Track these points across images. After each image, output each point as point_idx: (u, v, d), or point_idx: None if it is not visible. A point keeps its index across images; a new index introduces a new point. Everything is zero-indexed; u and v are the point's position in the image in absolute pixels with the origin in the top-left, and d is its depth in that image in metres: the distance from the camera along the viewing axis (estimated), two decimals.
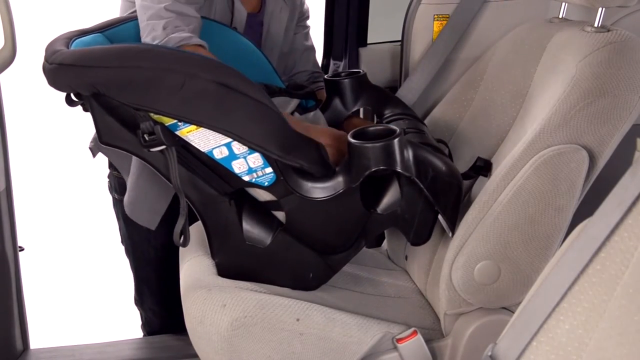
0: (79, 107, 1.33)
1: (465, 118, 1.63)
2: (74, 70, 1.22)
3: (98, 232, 3.39)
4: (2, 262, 1.87)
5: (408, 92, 1.74)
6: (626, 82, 1.24)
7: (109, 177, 1.92)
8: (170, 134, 1.25)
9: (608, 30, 1.32)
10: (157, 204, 1.72)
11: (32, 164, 3.98)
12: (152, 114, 1.23)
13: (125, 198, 1.75)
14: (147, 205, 1.72)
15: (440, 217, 1.35)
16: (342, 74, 1.64)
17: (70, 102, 1.31)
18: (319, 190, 1.30)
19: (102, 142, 1.30)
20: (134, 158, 1.62)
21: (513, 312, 1.27)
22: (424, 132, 1.47)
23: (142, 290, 2.05)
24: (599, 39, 1.30)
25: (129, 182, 1.73)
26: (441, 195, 1.32)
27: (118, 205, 1.91)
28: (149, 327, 2.13)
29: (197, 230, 1.57)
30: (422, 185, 1.29)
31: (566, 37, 1.40)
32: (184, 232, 1.33)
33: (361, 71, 1.64)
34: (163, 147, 1.24)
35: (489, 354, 0.82)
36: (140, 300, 2.09)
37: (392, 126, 1.31)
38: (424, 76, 1.74)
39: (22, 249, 1.99)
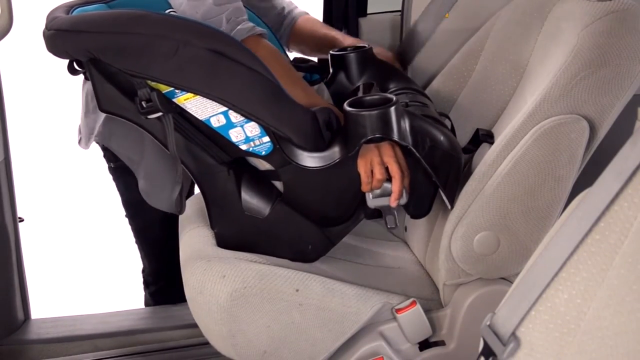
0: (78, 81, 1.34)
1: (466, 89, 1.62)
2: (70, 35, 1.24)
3: (98, 203, 3.40)
4: (2, 233, 1.88)
5: (422, 72, 1.74)
6: (628, 52, 1.23)
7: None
8: (167, 101, 1.25)
9: None
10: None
11: (30, 134, 3.97)
12: (149, 81, 1.23)
13: (141, 185, 1.73)
14: (167, 191, 1.69)
15: (440, 190, 1.35)
16: (348, 48, 1.62)
17: (72, 70, 1.32)
18: (315, 160, 1.29)
19: (101, 109, 1.31)
20: (148, 145, 1.60)
21: (512, 283, 1.27)
22: (427, 106, 1.46)
23: (150, 252, 2.04)
24: (601, 7, 1.29)
25: (143, 168, 1.70)
26: (440, 167, 1.31)
27: (116, 171, 1.89)
28: (159, 297, 2.13)
29: (197, 201, 1.57)
30: (419, 156, 1.28)
31: (568, 6, 1.39)
32: (180, 200, 1.34)
33: (366, 45, 1.62)
34: (160, 114, 1.25)
35: (488, 323, 0.82)
36: (150, 264, 2.08)
37: (389, 95, 1.30)
38: (438, 55, 1.73)
39: (21, 220, 2.00)
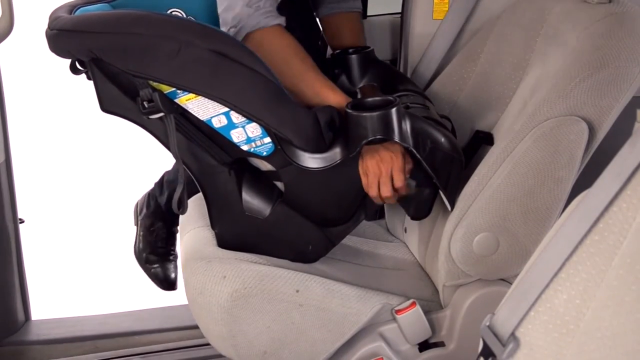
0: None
1: (466, 91, 1.62)
2: (73, 35, 1.24)
3: (98, 204, 3.40)
4: (2, 234, 1.88)
5: (424, 73, 1.74)
6: (627, 54, 1.24)
7: None
8: (168, 102, 1.25)
9: (610, 1, 1.31)
10: None
11: (31, 135, 3.97)
12: (151, 82, 1.24)
13: None
14: None
15: (440, 191, 1.36)
16: (350, 50, 1.63)
17: (74, 70, 1.32)
18: (316, 161, 1.30)
19: (103, 109, 1.31)
20: None
21: (511, 284, 1.28)
22: (428, 107, 1.47)
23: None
24: (600, 10, 1.29)
25: None
26: (440, 169, 1.32)
27: None
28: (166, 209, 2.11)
29: (198, 202, 1.57)
30: (420, 157, 1.29)
31: (567, 8, 1.39)
32: (182, 200, 1.34)
33: (369, 47, 1.63)
34: (162, 114, 1.25)
35: (487, 324, 0.83)
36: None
37: (390, 97, 1.31)
38: (438, 55, 1.73)
39: (22, 221, 2.00)
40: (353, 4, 1.71)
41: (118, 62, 1.24)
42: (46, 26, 1.29)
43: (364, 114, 1.25)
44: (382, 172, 1.31)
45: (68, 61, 1.33)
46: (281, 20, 1.39)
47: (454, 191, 1.35)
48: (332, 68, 1.62)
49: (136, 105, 1.26)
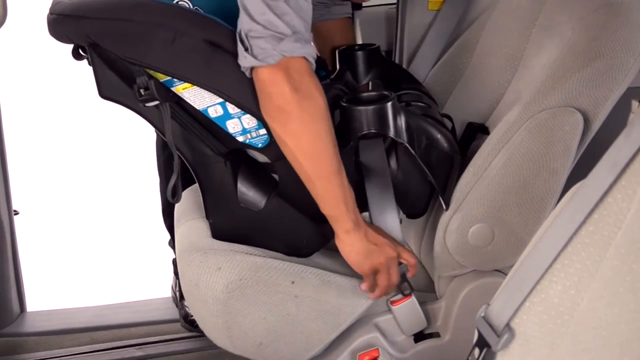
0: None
1: (460, 82, 1.62)
2: (71, 20, 1.24)
3: (93, 195, 3.40)
4: None
5: (421, 65, 1.73)
6: (622, 44, 1.23)
7: None
8: (164, 90, 1.25)
9: None
10: None
11: (25, 127, 3.96)
12: (147, 69, 1.23)
13: None
14: None
15: (436, 189, 1.35)
16: (356, 47, 1.62)
17: (76, 55, 1.33)
18: None
19: (101, 95, 1.31)
20: None
21: (506, 275, 1.28)
22: (430, 107, 1.46)
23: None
24: (596, 0, 1.29)
25: None
26: (436, 167, 1.32)
27: None
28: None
29: (193, 193, 1.57)
30: (414, 153, 1.29)
31: None
32: (176, 189, 1.34)
33: (375, 44, 1.62)
34: (157, 102, 1.25)
35: (482, 315, 0.83)
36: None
37: (386, 91, 1.31)
38: (436, 47, 1.73)
39: (17, 213, 2.00)
40: (343, 9, 1.71)
41: (114, 48, 1.24)
42: (42, 15, 1.29)
43: (359, 107, 1.25)
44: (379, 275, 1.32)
45: (63, 52, 1.33)
46: (310, 57, 1.21)
47: (450, 189, 1.34)
48: (340, 64, 1.61)
49: (133, 92, 1.26)
